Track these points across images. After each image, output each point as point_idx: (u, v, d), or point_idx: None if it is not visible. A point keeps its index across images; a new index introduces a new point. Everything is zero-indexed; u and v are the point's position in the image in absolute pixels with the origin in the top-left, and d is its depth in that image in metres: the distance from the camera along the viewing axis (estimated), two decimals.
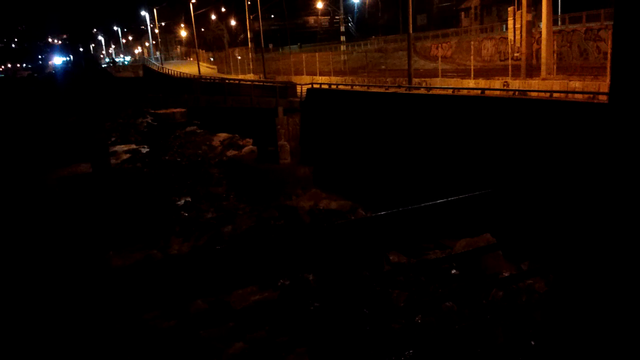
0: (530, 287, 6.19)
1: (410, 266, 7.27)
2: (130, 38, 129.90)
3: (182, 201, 21.35)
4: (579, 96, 14.58)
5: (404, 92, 21.44)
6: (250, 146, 29.69)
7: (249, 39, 49.14)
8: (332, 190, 21.39)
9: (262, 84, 29.13)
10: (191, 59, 73.97)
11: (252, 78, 41.77)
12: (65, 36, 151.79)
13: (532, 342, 4.21)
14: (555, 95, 15.29)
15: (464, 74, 22.92)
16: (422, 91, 20.72)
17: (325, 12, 68.89)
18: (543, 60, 18.61)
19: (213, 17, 78.96)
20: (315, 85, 27.42)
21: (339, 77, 31.05)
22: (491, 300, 5.96)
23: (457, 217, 1.94)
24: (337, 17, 62.11)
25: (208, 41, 79.01)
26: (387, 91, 22.31)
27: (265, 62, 41.49)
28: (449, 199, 1.88)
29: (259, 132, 27.11)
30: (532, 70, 19.30)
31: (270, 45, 59.14)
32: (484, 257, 7.03)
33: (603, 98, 13.30)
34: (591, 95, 14.07)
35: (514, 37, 19.69)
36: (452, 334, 4.69)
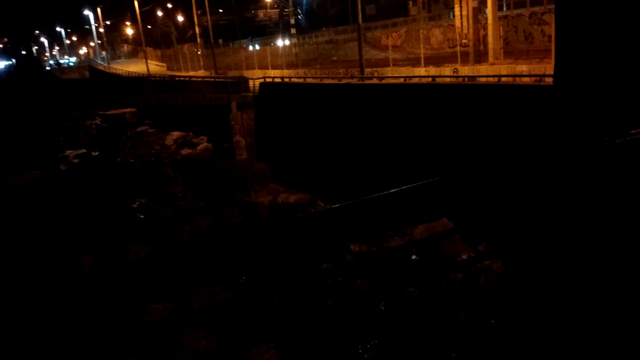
0: (487, 268, 6.34)
1: (371, 255, 7.32)
2: (74, 39, 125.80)
3: (137, 203, 20.88)
4: (526, 79, 14.99)
5: (357, 82, 21.55)
6: (205, 143, 29.29)
7: (197, 35, 48.37)
8: (290, 184, 21.36)
9: (213, 79, 28.73)
10: (139, 57, 72.30)
11: (203, 74, 41.13)
12: (6, 39, 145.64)
13: (492, 321, 4.32)
14: (503, 79, 15.69)
15: (415, 62, 23.22)
16: (375, 81, 20.89)
17: (274, 5, 68.49)
18: (490, 45, 19.04)
19: (160, 13, 77.31)
20: (267, 79, 27.24)
21: (291, 70, 30.94)
22: (451, 283, 6.08)
23: (413, 204, 1.95)
24: (286, 10, 61.85)
25: (156, 38, 77.34)
26: (340, 82, 22.38)
27: (216, 57, 40.94)
28: (404, 187, 1.89)
29: (213, 128, 26.79)
30: (481, 56, 19.72)
31: (220, 41, 58.32)
32: (443, 241, 7.16)
33: (549, 80, 13.71)
34: (538, 78, 14.49)
35: (461, 24, 20.06)
36: (415, 319, 4.76)
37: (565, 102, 4.46)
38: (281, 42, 47.58)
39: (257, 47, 44.64)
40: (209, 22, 44.17)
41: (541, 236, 1.90)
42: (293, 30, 52.25)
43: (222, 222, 16.53)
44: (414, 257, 7.57)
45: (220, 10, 69.64)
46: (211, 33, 43.45)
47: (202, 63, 47.39)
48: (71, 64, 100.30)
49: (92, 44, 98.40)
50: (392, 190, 1.86)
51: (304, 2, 65.16)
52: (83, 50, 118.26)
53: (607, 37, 4.26)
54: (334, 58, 33.80)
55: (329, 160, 20.29)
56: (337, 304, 6.55)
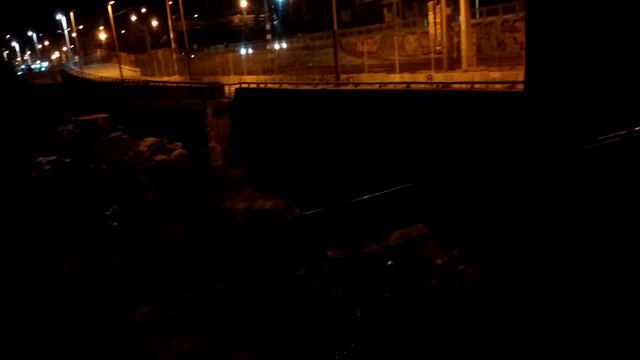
0: (462, 273, 6.41)
1: (347, 261, 7.34)
2: (46, 43, 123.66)
3: (110, 210, 20.55)
4: (498, 86, 15.23)
5: (333, 88, 21.64)
6: (180, 149, 29.03)
7: (172, 40, 48.00)
8: (266, 190, 21.29)
9: (188, 85, 28.53)
10: (112, 62, 71.39)
11: (178, 79, 40.81)
12: None
13: (466, 325, 4.37)
14: (476, 86, 15.90)
15: (390, 68, 23.41)
16: (350, 87, 20.99)
17: (249, 11, 68.39)
18: (463, 52, 19.31)
19: (134, 18, 76.54)
20: (243, 85, 27.17)
21: (267, 76, 30.90)
22: (426, 288, 6.13)
23: (387, 210, 1.96)
24: (262, 16, 61.85)
25: (129, 43, 76.47)
26: (315, 88, 22.43)
27: (191, 62, 40.67)
28: (378, 193, 1.90)
29: (188, 134, 26.58)
30: (454, 63, 19.98)
31: (195, 46, 57.98)
32: (418, 246, 7.22)
33: (520, 87, 13.95)
34: (510, 85, 14.74)
35: (435, 31, 20.31)
36: (390, 324, 4.78)
37: (535, 109, 4.55)
38: (257, 48, 47.51)
39: (233, 52, 44.47)
40: (184, 27, 43.90)
41: (511, 241, 1.94)
42: (269, 36, 52.23)
43: (196, 229, 16.40)
44: (389, 262, 7.62)
45: (196, 15, 69.27)
46: (186, 38, 43.16)
47: (176, 68, 47.03)
48: (43, 68, 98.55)
49: (64, 48, 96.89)
50: (367, 197, 1.87)
51: (280, 8, 65.23)
52: (55, 55, 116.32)
53: (576, 44, 4.35)
54: (310, 64, 33.89)
55: (306, 166, 20.30)
56: (313, 311, 6.54)
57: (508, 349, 2.21)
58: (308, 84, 24.24)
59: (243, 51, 44.46)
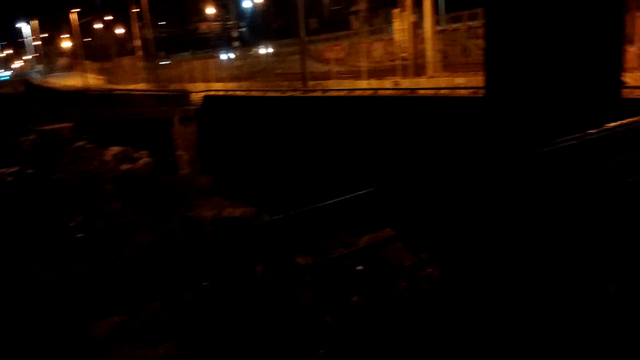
0: (430, 275, 6.50)
1: (316, 266, 7.36)
2: (9, 51, 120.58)
3: (75, 222, 20.11)
4: (462, 91, 15.51)
5: (300, 95, 21.69)
6: (146, 158, 28.62)
7: (137, 47, 47.40)
8: (234, 197, 21.16)
9: (155, 93, 28.21)
10: (77, 70, 70.02)
11: (144, 87, 40.28)
12: None
13: (434, 325, 4.43)
14: (441, 92, 16.16)
15: (357, 75, 23.59)
16: (318, 93, 21.08)
17: (217, 18, 68.02)
18: (429, 59, 19.60)
19: (99, 25, 75.30)
20: (211, 92, 26.99)
21: (235, 83, 30.77)
22: (395, 291, 6.19)
23: (354, 214, 1.98)
24: (229, 23, 61.58)
25: (95, 51, 75.17)
26: (284, 95, 22.44)
27: (157, 70, 40.24)
28: (344, 197, 1.92)
29: (155, 143, 26.24)
30: (421, 69, 20.25)
31: (162, 53, 57.34)
32: (386, 250, 7.28)
33: (483, 92, 14.21)
34: (473, 90, 15.02)
35: (401, 38, 20.57)
36: (360, 327, 4.81)
37: (494, 113, 4.66)
38: (224, 55, 47.29)
39: (200, 59, 44.15)
40: (150, 35, 43.41)
41: (470, 243, 1.98)
42: (237, 43, 52.05)
43: (164, 238, 16.20)
44: (359, 267, 7.66)
45: (162, 23, 68.57)
46: (152, 45, 42.69)
47: (142, 76, 46.42)
48: (4, 77, 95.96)
49: (27, 57, 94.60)
50: (331, 201, 1.89)
51: (248, 15, 65.09)
52: (18, 64, 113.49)
53: (532, 51, 4.48)
54: (279, 71, 33.90)
55: (275, 173, 20.26)
56: (283, 318, 6.53)
57: (475, 349, 2.25)
58: (276, 90, 24.22)
59: (211, 58, 44.18)
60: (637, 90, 10.97)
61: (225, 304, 5.43)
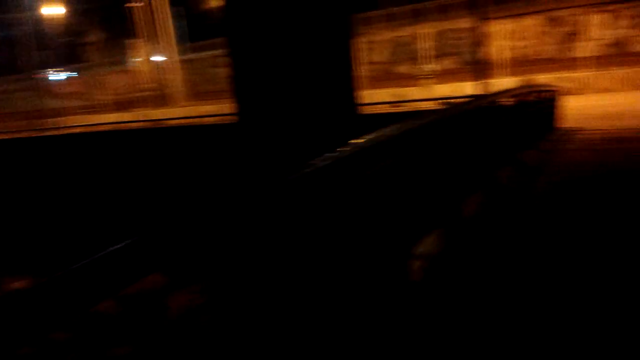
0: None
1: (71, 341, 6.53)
2: None
3: None
4: (211, 119, 15.74)
5: (32, 135, 19.60)
6: None
7: None
8: None
9: None
10: None
11: None
12: None
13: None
14: (191, 120, 16.16)
15: (102, 108, 22.19)
16: (57, 132, 19.23)
17: None
18: (175, 89, 19.45)
19: None
20: None
21: None
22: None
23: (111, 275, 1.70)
24: None
25: None
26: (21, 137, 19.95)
27: None
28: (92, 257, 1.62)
29: None
30: (169, 99, 19.95)
31: None
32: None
33: (231, 118, 14.61)
34: (221, 117, 15.37)
35: (144, 68, 20.03)
36: None
37: (248, 138, 4.76)
38: None
39: None
40: None
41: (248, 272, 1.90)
42: None
43: None
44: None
45: None
46: None
47: None
48: None
49: None
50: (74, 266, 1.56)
51: None
52: None
53: (274, 77, 4.69)
54: (8, 110, 30.11)
55: (16, 228, 17.74)
56: None
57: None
58: (4, 132, 21.35)
59: None
60: (367, 106, 12.41)
61: None
